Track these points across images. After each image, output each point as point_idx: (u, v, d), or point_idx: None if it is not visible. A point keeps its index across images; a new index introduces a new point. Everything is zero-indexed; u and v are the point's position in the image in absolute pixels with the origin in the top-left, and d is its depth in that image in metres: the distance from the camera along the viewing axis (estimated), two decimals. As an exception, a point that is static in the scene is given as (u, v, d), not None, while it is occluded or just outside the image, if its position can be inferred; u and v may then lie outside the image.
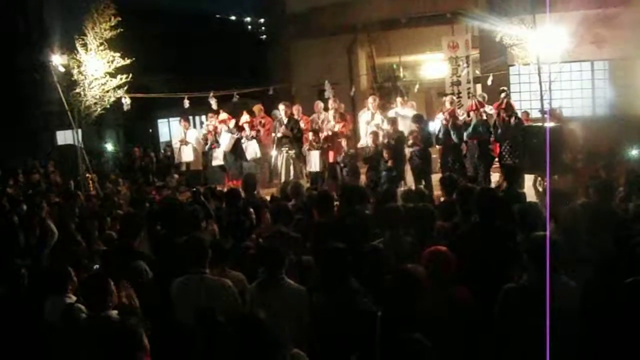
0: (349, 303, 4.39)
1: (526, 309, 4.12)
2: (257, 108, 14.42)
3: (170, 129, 23.10)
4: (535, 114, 13.07)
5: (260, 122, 14.10)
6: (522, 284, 4.27)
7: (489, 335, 4.30)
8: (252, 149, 13.60)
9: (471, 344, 4.16)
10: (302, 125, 13.18)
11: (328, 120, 13.33)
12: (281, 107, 13.10)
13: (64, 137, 17.53)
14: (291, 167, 12.67)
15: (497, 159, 12.06)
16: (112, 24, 11.50)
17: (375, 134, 12.03)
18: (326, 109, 13.88)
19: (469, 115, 12.30)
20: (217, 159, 14.05)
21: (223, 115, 14.15)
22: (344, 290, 4.47)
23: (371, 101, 13.64)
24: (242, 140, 13.65)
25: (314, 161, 12.77)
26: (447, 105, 12.96)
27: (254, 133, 13.65)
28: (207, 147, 14.16)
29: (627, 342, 4.10)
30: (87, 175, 12.07)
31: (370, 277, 4.79)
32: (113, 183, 14.25)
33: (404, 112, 13.33)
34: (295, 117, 13.23)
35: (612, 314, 4.23)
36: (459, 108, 14.25)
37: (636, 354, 4.01)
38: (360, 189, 7.57)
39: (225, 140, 13.74)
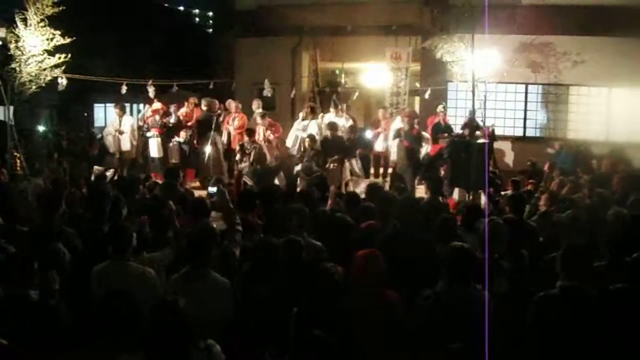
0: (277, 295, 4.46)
1: (437, 317, 4.24)
2: (192, 101, 14.44)
3: (106, 115, 22.61)
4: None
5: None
6: (436, 293, 4.36)
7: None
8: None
9: (396, 345, 4.28)
10: (237, 122, 13.48)
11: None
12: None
13: (-7, 113, 16.95)
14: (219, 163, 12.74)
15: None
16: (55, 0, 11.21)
17: (311, 139, 12.29)
18: (264, 107, 14.02)
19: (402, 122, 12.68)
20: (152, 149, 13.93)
21: (156, 105, 14.05)
22: (275, 281, 4.57)
23: (305, 111, 14.09)
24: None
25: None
26: (380, 116, 13.49)
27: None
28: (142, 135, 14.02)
29: (535, 354, 4.31)
30: (15, 154, 11.70)
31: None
32: (57, 163, 13.96)
33: (337, 122, 13.55)
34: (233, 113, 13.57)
35: (523, 327, 4.42)
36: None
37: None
38: (277, 190, 7.64)
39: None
